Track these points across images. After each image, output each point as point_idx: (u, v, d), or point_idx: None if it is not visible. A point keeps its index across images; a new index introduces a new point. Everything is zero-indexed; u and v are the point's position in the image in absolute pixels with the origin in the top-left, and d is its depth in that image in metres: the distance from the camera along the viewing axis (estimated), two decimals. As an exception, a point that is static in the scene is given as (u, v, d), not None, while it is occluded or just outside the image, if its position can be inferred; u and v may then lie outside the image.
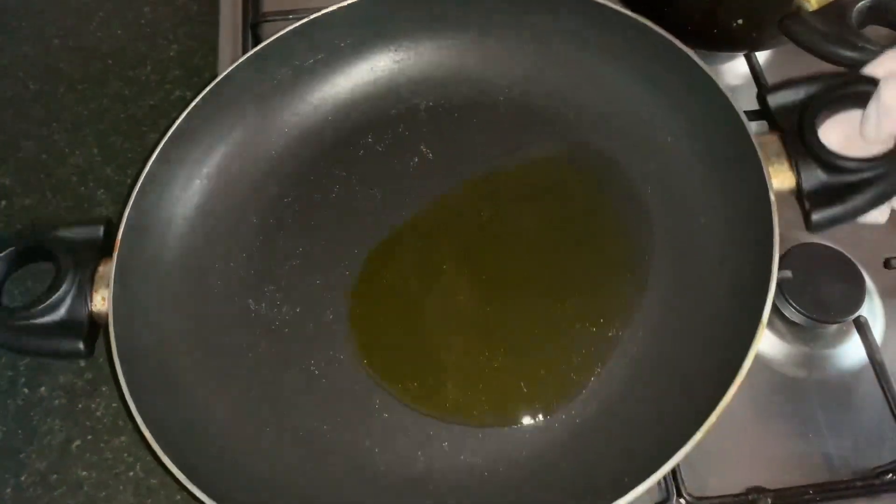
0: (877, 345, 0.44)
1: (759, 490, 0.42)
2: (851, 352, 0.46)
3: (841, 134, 0.39)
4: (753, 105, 0.52)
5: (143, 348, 0.41)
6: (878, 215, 0.40)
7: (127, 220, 0.43)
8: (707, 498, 0.41)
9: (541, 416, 0.40)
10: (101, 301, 0.41)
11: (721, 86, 0.41)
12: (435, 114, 0.49)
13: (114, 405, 0.45)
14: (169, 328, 0.43)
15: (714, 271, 0.41)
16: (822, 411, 0.45)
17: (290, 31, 0.48)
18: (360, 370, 0.42)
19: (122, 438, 0.44)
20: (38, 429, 0.45)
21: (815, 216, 0.38)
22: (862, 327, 0.44)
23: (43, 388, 0.46)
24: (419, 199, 0.47)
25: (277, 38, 0.47)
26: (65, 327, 0.41)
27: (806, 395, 0.45)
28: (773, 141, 0.40)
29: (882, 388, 0.43)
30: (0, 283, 0.42)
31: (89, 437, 0.44)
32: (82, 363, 0.46)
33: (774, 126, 0.41)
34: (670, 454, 0.34)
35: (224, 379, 0.42)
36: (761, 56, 0.55)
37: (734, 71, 0.57)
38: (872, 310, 0.46)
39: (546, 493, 0.38)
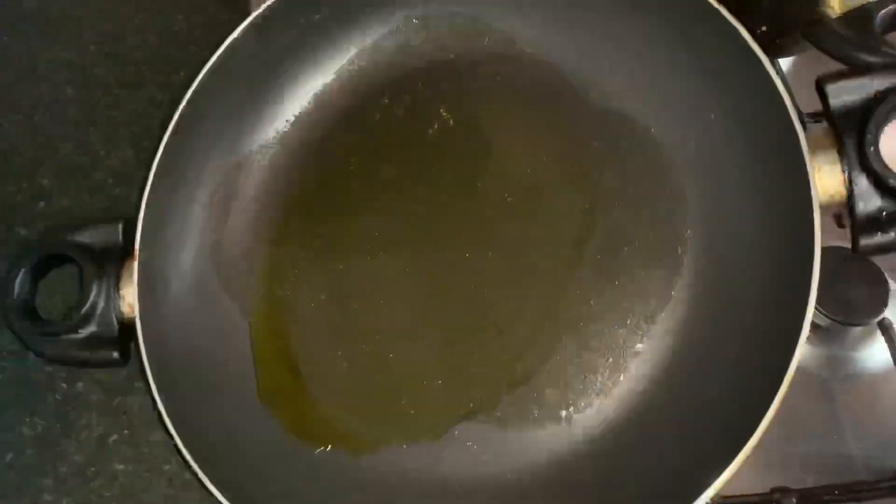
0: (901, 346, 0.44)
1: (783, 490, 0.42)
2: (876, 354, 0.46)
3: None
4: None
5: (172, 350, 0.41)
6: None
7: (143, 221, 0.42)
8: (732, 496, 0.42)
9: (563, 421, 0.40)
10: (128, 308, 0.41)
11: (778, 82, 0.37)
12: (457, 71, 0.46)
13: (149, 401, 0.46)
14: (196, 327, 0.43)
15: (749, 279, 0.38)
16: (846, 413, 0.45)
17: None
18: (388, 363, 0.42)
19: (158, 434, 0.45)
20: (76, 423, 0.46)
21: (864, 241, 0.34)
22: (886, 330, 0.45)
23: (80, 384, 0.47)
24: (436, 173, 0.44)
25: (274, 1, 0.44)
26: (98, 338, 0.41)
27: (830, 396, 0.46)
28: (828, 147, 0.35)
29: (906, 389, 0.44)
30: (31, 294, 0.42)
31: (125, 431, 0.46)
32: (118, 359, 0.48)
33: (832, 125, 0.35)
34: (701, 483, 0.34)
35: (245, 376, 0.42)
36: (784, 63, 0.56)
37: (757, 77, 0.58)
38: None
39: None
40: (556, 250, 0.42)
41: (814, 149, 0.34)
